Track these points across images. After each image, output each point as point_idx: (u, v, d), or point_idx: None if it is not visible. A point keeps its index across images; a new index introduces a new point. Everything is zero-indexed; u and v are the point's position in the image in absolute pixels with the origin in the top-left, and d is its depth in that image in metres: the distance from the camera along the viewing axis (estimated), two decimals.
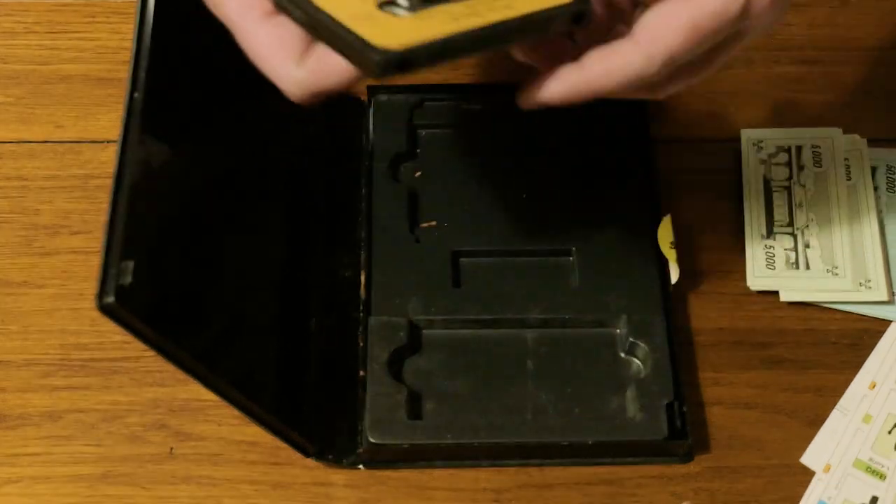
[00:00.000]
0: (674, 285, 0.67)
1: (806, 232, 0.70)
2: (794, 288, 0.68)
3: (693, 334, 0.67)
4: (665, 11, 0.50)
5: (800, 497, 0.63)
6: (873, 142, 0.73)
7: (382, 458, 0.63)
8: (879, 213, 0.71)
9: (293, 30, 0.49)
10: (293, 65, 0.49)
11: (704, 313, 0.68)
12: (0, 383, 0.66)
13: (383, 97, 0.73)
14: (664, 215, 0.69)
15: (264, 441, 0.63)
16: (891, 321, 0.68)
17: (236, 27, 0.50)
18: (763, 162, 0.73)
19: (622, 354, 0.65)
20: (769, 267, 0.69)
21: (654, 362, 0.64)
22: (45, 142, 0.74)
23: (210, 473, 0.63)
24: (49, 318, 0.68)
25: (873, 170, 0.72)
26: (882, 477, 0.63)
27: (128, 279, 0.51)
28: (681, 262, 0.66)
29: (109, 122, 0.75)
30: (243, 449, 0.64)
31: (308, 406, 0.64)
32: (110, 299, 0.50)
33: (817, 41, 0.78)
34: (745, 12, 0.50)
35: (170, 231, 0.58)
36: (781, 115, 0.75)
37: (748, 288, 0.69)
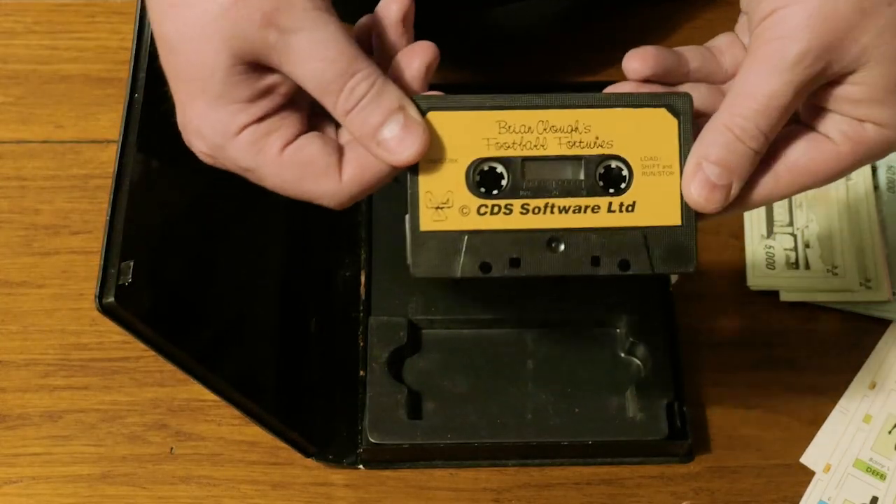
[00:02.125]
0: (674, 285, 0.67)
1: (806, 232, 0.70)
2: (794, 288, 0.68)
3: (693, 334, 0.67)
4: (818, 158, 0.48)
5: (800, 497, 0.63)
6: None
7: (382, 458, 0.63)
8: (879, 213, 0.71)
9: (311, 149, 0.48)
10: (335, 181, 0.48)
11: (704, 313, 0.68)
12: (0, 383, 0.66)
13: None
14: None
15: (264, 441, 0.63)
16: (891, 321, 0.68)
17: (257, 170, 0.48)
18: None
19: (622, 354, 0.65)
20: (769, 267, 0.69)
21: (654, 362, 0.64)
22: (45, 142, 0.74)
23: (210, 473, 0.63)
24: (49, 318, 0.68)
25: (873, 170, 0.72)
26: (882, 477, 0.63)
27: (128, 279, 0.51)
28: None
29: (109, 122, 0.75)
30: (243, 449, 0.64)
31: (308, 406, 0.64)
32: (110, 299, 0.50)
33: None
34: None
35: (169, 231, 0.58)
36: None
37: (748, 288, 0.69)
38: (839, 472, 0.63)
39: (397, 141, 0.47)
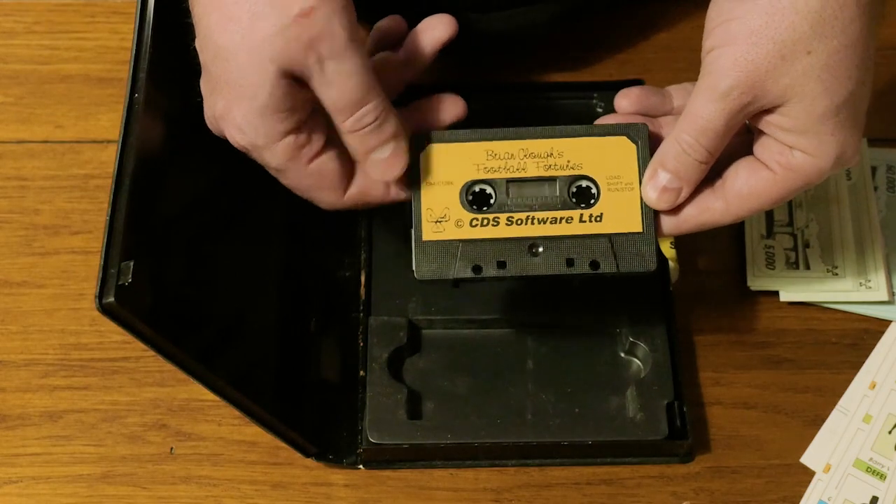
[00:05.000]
0: (674, 285, 0.67)
1: (806, 232, 0.70)
2: (794, 288, 0.68)
3: (693, 334, 0.67)
4: (757, 185, 0.56)
5: (800, 497, 0.63)
6: (873, 142, 0.73)
7: (382, 458, 0.63)
8: (879, 213, 0.71)
9: (331, 166, 0.57)
10: (340, 196, 0.58)
11: (704, 313, 0.68)
12: (0, 383, 0.66)
13: None
14: None
15: (264, 441, 0.63)
16: (891, 321, 0.68)
17: (284, 172, 0.57)
18: None
19: (622, 354, 0.65)
20: (769, 267, 0.69)
21: (654, 362, 0.64)
22: (45, 142, 0.74)
23: (210, 473, 0.63)
24: (49, 318, 0.68)
25: (873, 170, 0.72)
26: (882, 477, 0.63)
27: (128, 279, 0.51)
28: (681, 262, 0.66)
29: (109, 122, 0.75)
30: (243, 449, 0.64)
31: (308, 406, 0.64)
32: (110, 299, 0.50)
33: None
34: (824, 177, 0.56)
35: (170, 231, 0.58)
36: None
37: (748, 288, 0.69)
38: (839, 472, 0.63)
39: (384, 164, 0.57)
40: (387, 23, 0.61)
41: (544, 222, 0.57)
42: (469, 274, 0.56)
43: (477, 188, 0.58)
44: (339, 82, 0.54)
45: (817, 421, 0.65)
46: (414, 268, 0.56)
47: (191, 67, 0.58)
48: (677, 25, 0.79)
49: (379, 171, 0.57)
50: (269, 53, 0.53)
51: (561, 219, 0.57)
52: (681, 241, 0.66)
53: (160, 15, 0.58)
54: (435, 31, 0.60)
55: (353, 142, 0.56)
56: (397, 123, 0.56)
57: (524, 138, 0.58)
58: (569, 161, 0.58)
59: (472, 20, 0.71)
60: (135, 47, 0.57)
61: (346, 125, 0.55)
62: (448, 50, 0.61)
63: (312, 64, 0.53)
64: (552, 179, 0.58)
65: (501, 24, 0.73)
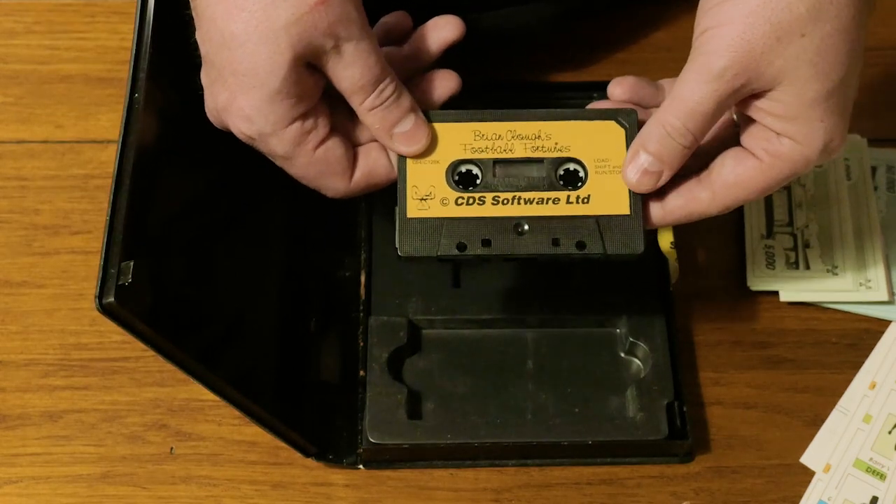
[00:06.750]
0: (674, 285, 0.67)
1: (806, 232, 0.70)
2: (794, 288, 0.68)
3: (693, 334, 0.67)
4: (743, 173, 0.55)
5: (800, 497, 0.63)
6: (873, 142, 0.73)
7: (382, 458, 0.63)
8: (879, 213, 0.71)
9: (337, 152, 0.57)
10: (346, 182, 0.58)
11: (704, 313, 0.68)
12: (0, 383, 0.66)
13: None
14: None
15: (264, 441, 0.63)
16: (891, 321, 0.68)
17: (288, 160, 0.57)
18: None
19: (622, 354, 0.65)
20: (769, 267, 0.69)
21: (654, 362, 0.64)
22: (45, 142, 0.74)
23: (210, 473, 0.63)
24: (49, 318, 0.68)
25: (873, 170, 0.72)
26: (882, 477, 0.63)
27: (128, 279, 0.51)
28: (681, 262, 0.66)
29: (109, 122, 0.75)
30: (243, 449, 0.64)
31: (308, 406, 0.64)
32: (110, 299, 0.50)
33: None
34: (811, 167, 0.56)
35: (170, 231, 0.58)
36: None
37: (748, 288, 0.69)
38: (839, 472, 0.63)
39: (408, 136, 0.57)
40: (393, 18, 0.62)
41: (531, 202, 0.57)
42: (454, 251, 0.56)
43: (463, 168, 0.57)
44: (360, 61, 0.55)
45: (817, 421, 0.65)
46: (397, 244, 0.56)
47: (191, 66, 0.58)
48: (676, 26, 0.79)
49: (405, 145, 0.57)
50: (286, 40, 0.53)
51: (547, 199, 0.57)
52: (681, 241, 0.66)
53: (160, 15, 0.58)
54: (443, 31, 0.61)
55: (374, 120, 0.56)
56: (411, 97, 0.57)
57: (512, 120, 0.58)
58: (556, 143, 0.58)
59: (470, 18, 0.72)
60: (135, 47, 0.57)
61: (367, 103, 0.56)
62: (448, 48, 0.62)
63: (330, 48, 0.54)
64: (539, 161, 0.57)
65: (500, 22, 0.73)
